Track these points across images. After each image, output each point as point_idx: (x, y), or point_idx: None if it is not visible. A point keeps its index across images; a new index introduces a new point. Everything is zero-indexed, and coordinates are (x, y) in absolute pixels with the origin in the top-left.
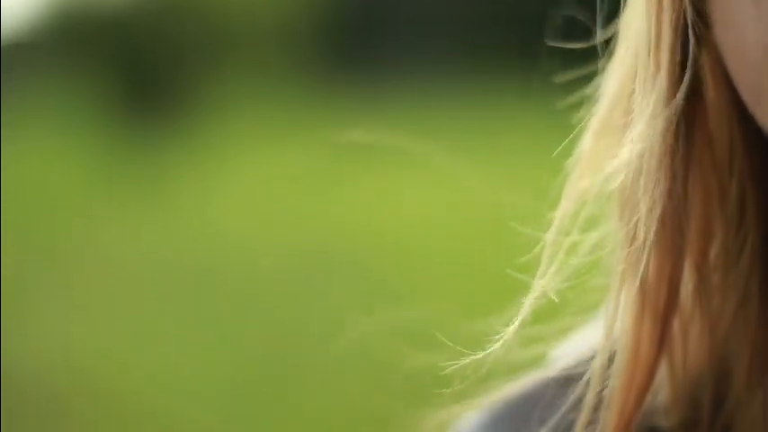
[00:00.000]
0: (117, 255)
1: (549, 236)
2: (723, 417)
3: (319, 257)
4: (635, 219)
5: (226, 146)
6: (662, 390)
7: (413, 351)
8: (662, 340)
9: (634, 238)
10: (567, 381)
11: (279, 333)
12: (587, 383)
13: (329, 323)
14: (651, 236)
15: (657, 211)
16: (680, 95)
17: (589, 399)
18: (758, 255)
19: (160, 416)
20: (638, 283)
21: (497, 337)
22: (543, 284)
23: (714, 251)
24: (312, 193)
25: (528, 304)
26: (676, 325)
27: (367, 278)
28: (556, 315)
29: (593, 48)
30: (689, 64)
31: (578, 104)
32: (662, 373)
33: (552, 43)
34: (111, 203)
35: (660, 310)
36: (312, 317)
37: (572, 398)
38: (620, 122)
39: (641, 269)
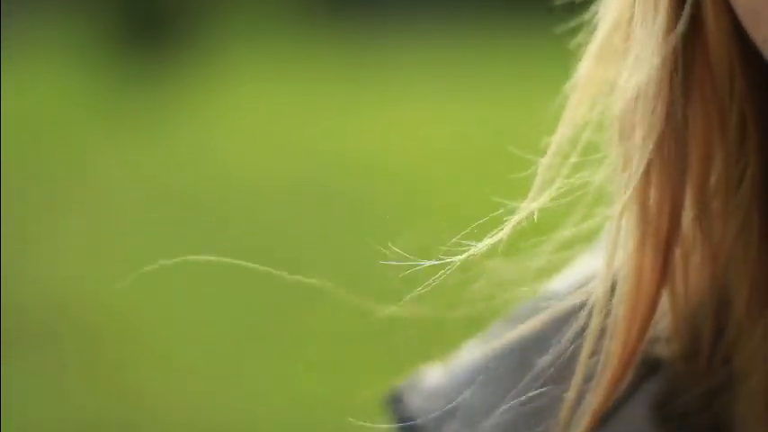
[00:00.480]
0: (117, 184)
1: (545, 160)
2: (723, 346)
3: (318, 188)
4: (634, 145)
5: (225, 78)
6: (663, 319)
7: (411, 282)
8: (664, 268)
9: (634, 164)
10: (566, 313)
11: (276, 262)
12: (589, 314)
13: (327, 253)
14: (651, 162)
15: (656, 137)
16: (681, 21)
17: (593, 329)
18: (759, 182)
19: (157, 342)
20: (638, 211)
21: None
22: (534, 206)
23: (714, 178)
24: (311, 125)
25: (514, 221)
26: (677, 254)
27: (366, 209)
28: (552, 246)
29: None
30: None
31: (576, 30)
32: (663, 302)
33: None
34: (111, 134)
35: (662, 237)
36: (310, 246)
37: (573, 329)
38: (620, 48)
39: (642, 196)
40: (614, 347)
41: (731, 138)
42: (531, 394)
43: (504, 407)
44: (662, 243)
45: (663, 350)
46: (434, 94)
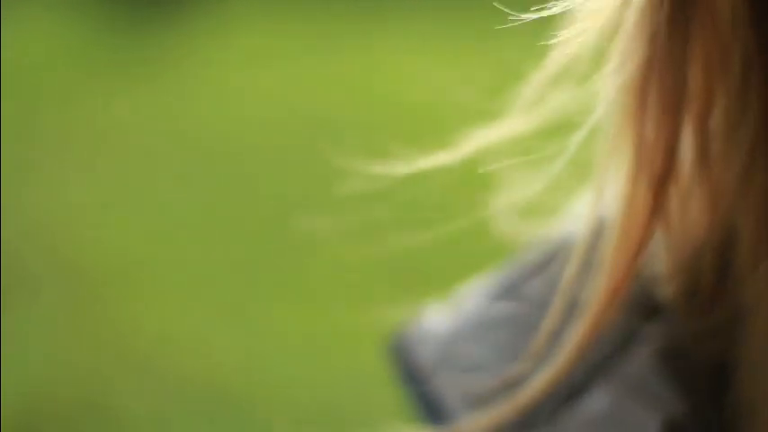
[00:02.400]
0: (116, 130)
1: (530, 88)
2: (728, 285)
3: (327, 126)
4: (631, 73)
5: (229, 20)
6: (661, 260)
7: (417, 223)
8: (657, 203)
9: (630, 92)
10: (559, 253)
11: (284, 205)
12: (577, 247)
13: (334, 199)
14: (648, 90)
15: (654, 65)
16: None
17: (575, 260)
18: (761, 123)
19: (157, 285)
20: (634, 141)
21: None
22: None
23: (716, 115)
24: (317, 64)
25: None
26: (675, 193)
27: (379, 145)
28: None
29: None
30: None
31: None
32: (661, 244)
33: None
34: (110, 80)
35: (656, 170)
36: (319, 188)
37: (566, 262)
38: None
39: (638, 126)
40: (601, 280)
41: (733, 77)
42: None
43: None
44: (656, 177)
45: (661, 291)
46: (441, 36)
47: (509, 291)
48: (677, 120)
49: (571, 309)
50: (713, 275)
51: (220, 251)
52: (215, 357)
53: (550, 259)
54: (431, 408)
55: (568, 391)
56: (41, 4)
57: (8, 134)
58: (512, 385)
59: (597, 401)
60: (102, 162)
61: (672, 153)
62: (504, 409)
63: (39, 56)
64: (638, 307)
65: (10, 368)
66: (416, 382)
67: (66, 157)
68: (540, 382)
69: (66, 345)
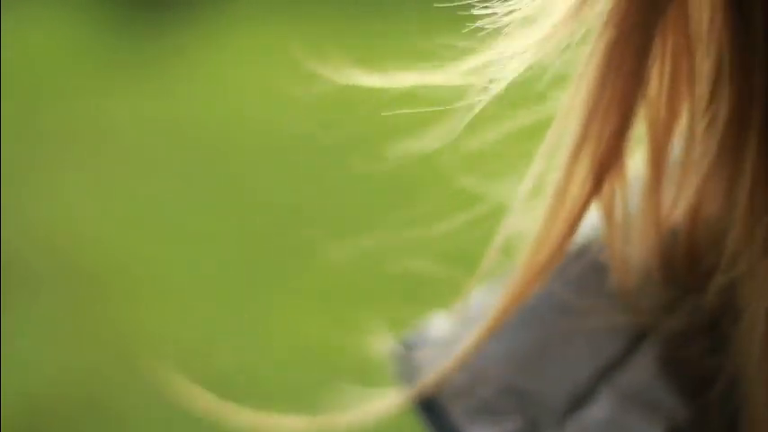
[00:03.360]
0: (117, 131)
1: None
2: (715, 285)
3: (327, 127)
4: (592, 48)
5: (231, 23)
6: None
7: (419, 241)
8: (596, 186)
9: (588, 67)
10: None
11: (284, 206)
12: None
13: (334, 200)
14: (608, 66)
15: (616, 46)
16: None
17: (497, 241)
18: (729, 131)
19: (158, 287)
20: (583, 114)
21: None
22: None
23: (683, 120)
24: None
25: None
26: (619, 185)
27: (376, 154)
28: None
29: None
30: None
31: None
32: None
33: None
34: (112, 81)
35: (598, 158)
36: (314, 193)
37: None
38: None
39: (592, 100)
40: (524, 255)
41: (700, 91)
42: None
43: None
44: (597, 163)
45: (664, 295)
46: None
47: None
48: (628, 112)
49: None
50: (694, 275)
51: (221, 251)
52: (216, 357)
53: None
54: (431, 411)
55: (574, 398)
56: (41, 4)
57: (8, 133)
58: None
59: (599, 409)
60: (102, 162)
61: (618, 141)
62: (439, 371)
63: (39, 55)
64: (641, 312)
65: (11, 368)
66: (417, 390)
67: (66, 156)
68: (462, 346)
69: (67, 345)
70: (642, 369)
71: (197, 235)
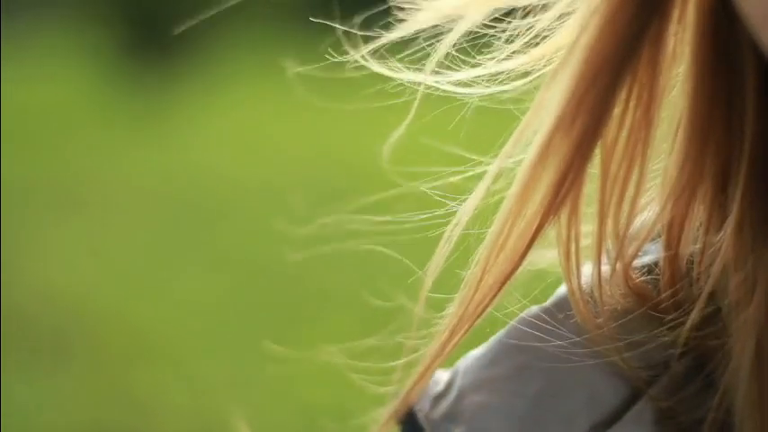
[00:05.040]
0: (118, 186)
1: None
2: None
3: (310, 189)
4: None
5: (225, 83)
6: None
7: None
8: (553, 201)
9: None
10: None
11: (270, 269)
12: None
13: (333, 256)
14: (585, 87)
15: (592, 75)
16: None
17: (444, 240)
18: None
19: (160, 345)
20: (539, 145)
21: None
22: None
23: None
24: (306, 129)
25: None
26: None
27: (362, 209)
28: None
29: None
30: None
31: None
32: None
33: None
34: (112, 137)
35: (554, 183)
36: (318, 251)
37: None
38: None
39: (547, 132)
40: (478, 266)
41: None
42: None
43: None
44: (555, 183)
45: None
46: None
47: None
48: (585, 149)
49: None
50: (677, 310)
51: (217, 309)
52: (217, 419)
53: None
54: None
55: None
56: (40, 57)
57: (8, 185)
58: None
59: None
60: (100, 214)
61: (574, 172)
62: (407, 385)
63: (38, 108)
64: (637, 371)
65: (11, 423)
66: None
67: (66, 208)
68: (425, 358)
69: (69, 397)
70: (637, 423)
71: (198, 291)
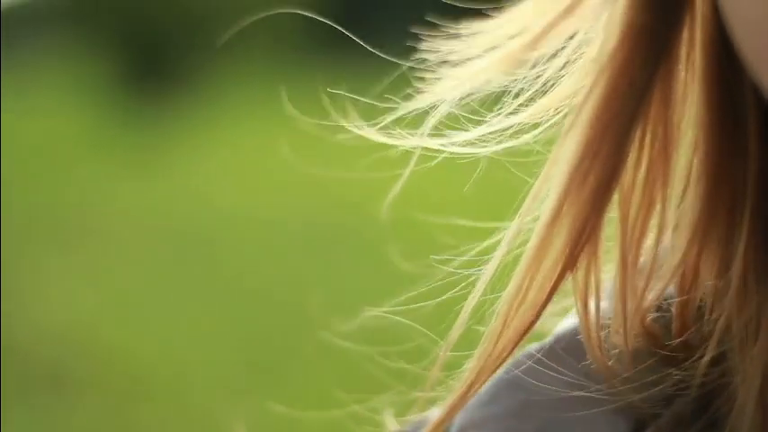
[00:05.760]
0: (118, 222)
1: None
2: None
3: (311, 228)
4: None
5: (223, 117)
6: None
7: (411, 329)
8: (568, 263)
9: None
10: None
11: (270, 303)
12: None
13: (324, 296)
14: (596, 146)
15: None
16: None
17: (468, 304)
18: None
19: (162, 381)
20: (556, 198)
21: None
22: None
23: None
24: (300, 165)
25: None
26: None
27: (358, 244)
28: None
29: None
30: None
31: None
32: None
33: None
34: (112, 172)
35: (573, 234)
36: (313, 284)
37: None
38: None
39: (562, 184)
40: (497, 321)
41: (673, 189)
42: None
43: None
44: (573, 234)
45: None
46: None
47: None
48: (602, 196)
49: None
50: (684, 352)
51: (223, 345)
52: None
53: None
54: None
55: None
56: (41, 92)
57: (8, 219)
58: None
59: None
60: (101, 247)
61: (593, 221)
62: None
63: (38, 143)
64: (636, 401)
65: None
66: None
67: (66, 240)
68: (441, 409)
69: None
70: None
71: (199, 326)
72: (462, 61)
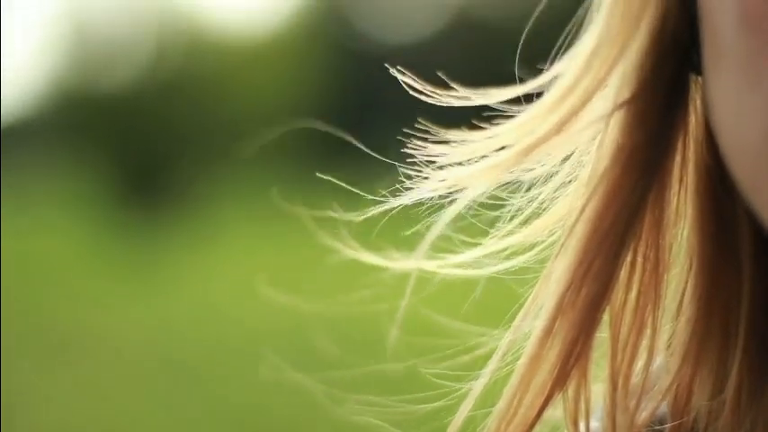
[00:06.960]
0: (115, 334)
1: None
2: None
3: (299, 344)
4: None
5: (216, 230)
6: None
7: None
8: (558, 381)
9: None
10: None
11: (263, 416)
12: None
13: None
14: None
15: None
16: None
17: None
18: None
19: None
20: (547, 315)
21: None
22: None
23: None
24: (293, 283)
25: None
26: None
27: (358, 351)
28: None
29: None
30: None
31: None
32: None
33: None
34: (109, 285)
35: (563, 352)
36: (312, 401)
37: None
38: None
39: (554, 302)
40: None
41: (663, 308)
42: None
43: None
44: (564, 352)
45: None
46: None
47: None
48: (593, 313)
49: None
50: None
51: None
52: None
53: None
54: None
55: None
56: (41, 210)
57: (8, 335)
58: None
59: None
60: (97, 364)
61: (584, 339)
62: None
63: (37, 259)
64: None
65: None
66: None
67: (62, 358)
68: None
69: None
70: None
71: None
72: (450, 165)
